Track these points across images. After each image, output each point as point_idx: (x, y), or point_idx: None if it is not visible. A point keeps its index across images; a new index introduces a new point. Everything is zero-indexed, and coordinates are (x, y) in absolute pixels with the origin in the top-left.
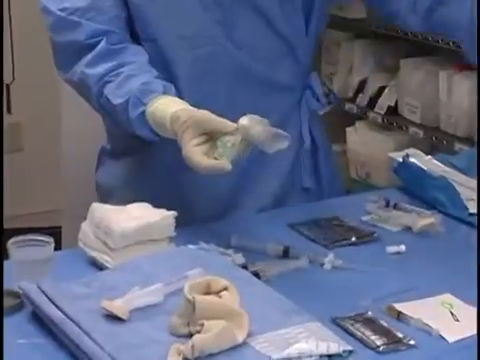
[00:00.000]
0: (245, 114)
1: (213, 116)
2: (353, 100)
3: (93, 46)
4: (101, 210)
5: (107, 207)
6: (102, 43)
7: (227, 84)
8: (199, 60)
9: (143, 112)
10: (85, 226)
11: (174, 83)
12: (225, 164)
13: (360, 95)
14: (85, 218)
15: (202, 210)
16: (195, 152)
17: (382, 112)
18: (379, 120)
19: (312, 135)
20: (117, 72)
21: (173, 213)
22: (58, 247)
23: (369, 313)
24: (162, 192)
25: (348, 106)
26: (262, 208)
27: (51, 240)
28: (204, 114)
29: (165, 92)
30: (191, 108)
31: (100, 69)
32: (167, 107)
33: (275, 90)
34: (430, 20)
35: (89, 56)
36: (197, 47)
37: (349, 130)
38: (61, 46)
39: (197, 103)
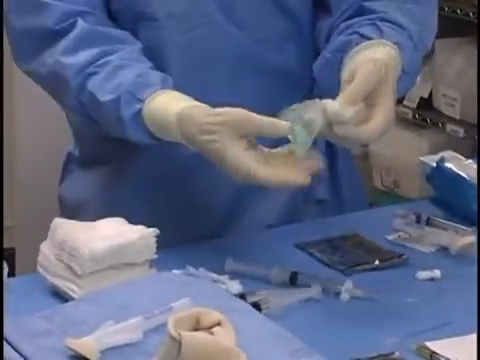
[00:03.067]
0: (248, 108)
1: (253, 114)
2: None
3: (66, 31)
4: (65, 227)
5: (72, 223)
6: (80, 24)
7: (227, 72)
8: (194, 44)
9: (139, 111)
10: (45, 247)
11: (164, 72)
12: (305, 178)
13: None
14: (44, 237)
15: (193, 228)
16: (251, 160)
17: (413, 106)
18: (409, 116)
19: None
20: (104, 61)
21: (154, 230)
22: (11, 273)
23: (396, 353)
24: (144, 206)
25: None
26: (268, 226)
27: (4, 265)
28: (241, 113)
29: (164, 86)
30: (203, 105)
31: (81, 57)
32: (169, 105)
33: (282, 78)
34: None
35: (65, 41)
36: (191, 29)
37: None
38: (22, 33)
39: (192, 95)
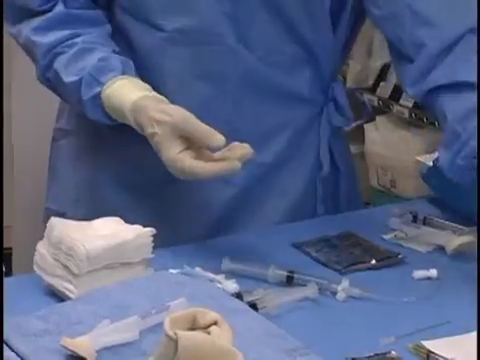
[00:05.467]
0: (252, 127)
1: (195, 120)
2: (373, 90)
3: (45, 12)
4: (61, 227)
5: (69, 223)
6: (58, 7)
7: (233, 91)
8: (200, 58)
9: (98, 94)
10: (41, 247)
11: (161, 81)
12: (235, 164)
13: (382, 84)
14: (41, 237)
15: (187, 229)
16: (184, 157)
17: (409, 105)
18: (405, 115)
19: (332, 155)
20: (71, 42)
21: (151, 230)
22: (8, 272)
23: (392, 353)
24: (134, 205)
25: (367, 97)
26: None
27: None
28: (184, 116)
29: (124, 71)
30: (158, 97)
31: (51, 38)
32: (126, 91)
33: (290, 102)
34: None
35: (38, 20)
36: (198, 45)
37: (368, 127)
38: (13, 6)
39: (193, 111)
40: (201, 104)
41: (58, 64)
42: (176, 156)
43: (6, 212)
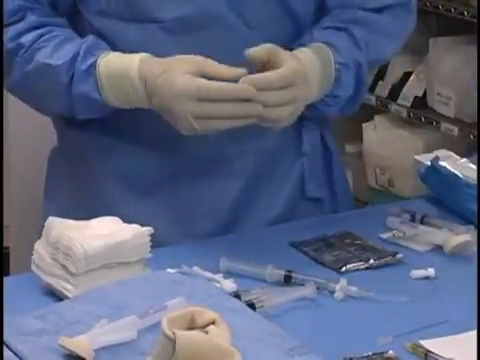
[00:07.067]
0: None
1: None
2: (371, 89)
3: (15, 23)
4: (59, 226)
5: (67, 222)
6: (29, 16)
7: None
8: (201, 44)
9: (94, 63)
10: (39, 246)
11: None
12: (251, 89)
13: (380, 83)
14: (38, 236)
15: (192, 226)
16: (198, 79)
17: (407, 104)
18: (404, 114)
19: (324, 138)
20: (51, 36)
21: (149, 229)
22: (6, 272)
23: (390, 352)
24: (131, 204)
25: (365, 97)
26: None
27: None
28: (203, 57)
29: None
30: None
31: (28, 38)
32: (127, 56)
33: None
34: None
35: (10, 29)
36: (199, 30)
37: (366, 126)
38: None
39: None
40: None
41: (41, 56)
42: (194, 79)
43: (3, 212)
